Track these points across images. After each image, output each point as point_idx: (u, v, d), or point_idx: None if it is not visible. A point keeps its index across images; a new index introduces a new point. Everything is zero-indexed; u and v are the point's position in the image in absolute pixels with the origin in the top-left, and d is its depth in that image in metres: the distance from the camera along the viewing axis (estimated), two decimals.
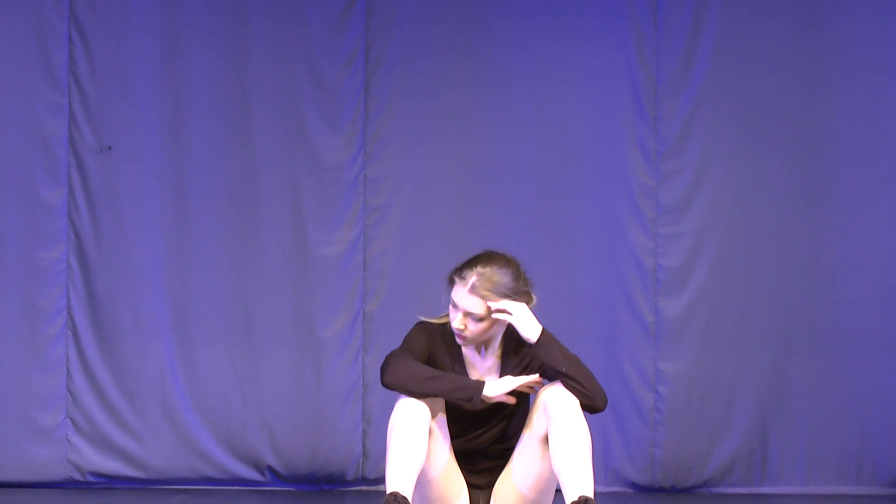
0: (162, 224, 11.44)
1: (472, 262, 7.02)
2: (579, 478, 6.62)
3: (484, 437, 7.13)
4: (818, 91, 11.50)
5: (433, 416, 6.93)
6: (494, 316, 6.89)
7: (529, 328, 6.83)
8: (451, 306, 6.99)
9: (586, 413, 6.80)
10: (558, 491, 6.87)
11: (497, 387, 6.80)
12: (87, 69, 11.38)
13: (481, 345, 7.15)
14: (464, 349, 7.14)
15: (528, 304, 7.03)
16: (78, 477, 11.19)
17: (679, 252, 11.39)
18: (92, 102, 11.37)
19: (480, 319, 6.87)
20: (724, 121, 11.50)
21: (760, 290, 11.46)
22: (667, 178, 11.41)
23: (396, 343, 7.17)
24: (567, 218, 11.38)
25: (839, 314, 11.41)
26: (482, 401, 6.84)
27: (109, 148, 11.29)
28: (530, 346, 6.92)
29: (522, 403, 7.05)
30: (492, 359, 7.16)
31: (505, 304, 6.84)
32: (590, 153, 11.49)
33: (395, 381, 6.90)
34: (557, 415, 6.73)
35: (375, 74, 11.50)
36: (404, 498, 6.59)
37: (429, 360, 7.10)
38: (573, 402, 6.75)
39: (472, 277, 6.90)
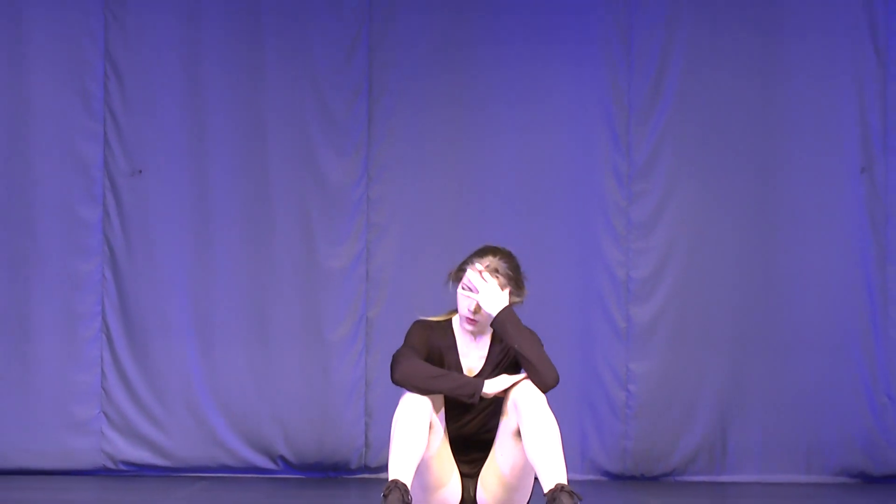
0: (186, 239, 11.93)
1: (482, 252, 7.33)
2: (552, 467, 6.85)
3: (473, 424, 7.30)
4: (772, 123, 12.05)
5: (435, 410, 7.20)
6: (462, 291, 7.20)
7: (491, 304, 7.09)
8: (460, 290, 7.25)
9: (554, 404, 7.03)
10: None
11: (494, 385, 7.06)
12: (120, 101, 11.84)
13: (480, 332, 7.39)
14: (458, 338, 7.36)
15: (522, 294, 7.35)
16: (110, 465, 11.79)
17: (648, 264, 12.00)
18: (124, 131, 11.87)
19: (483, 294, 7.18)
20: (688, 148, 12.05)
21: (721, 299, 12.00)
22: (637, 199, 11.99)
23: (396, 345, 7.27)
24: (547, 233, 11.89)
25: (791, 320, 11.96)
26: (483, 397, 7.09)
27: (140, 171, 11.78)
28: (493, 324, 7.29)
29: (507, 399, 7.18)
30: (482, 347, 7.38)
31: (476, 282, 7.15)
32: (568, 175, 12.03)
33: (404, 378, 7.12)
34: (526, 410, 6.97)
35: (377, 107, 12.00)
36: (405, 485, 6.84)
37: (428, 349, 7.32)
38: (540, 398, 7.01)
39: (485, 263, 7.23)
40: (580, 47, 12.15)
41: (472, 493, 7.39)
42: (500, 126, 12.14)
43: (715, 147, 12.15)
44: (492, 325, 7.23)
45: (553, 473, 6.81)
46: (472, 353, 7.40)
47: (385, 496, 6.80)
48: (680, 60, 12.14)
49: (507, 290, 7.25)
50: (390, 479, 6.87)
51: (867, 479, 11.94)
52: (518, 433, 7.02)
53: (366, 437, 11.75)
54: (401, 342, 7.35)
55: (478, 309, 7.21)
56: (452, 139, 12.18)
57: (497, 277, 7.21)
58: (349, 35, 12.19)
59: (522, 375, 7.14)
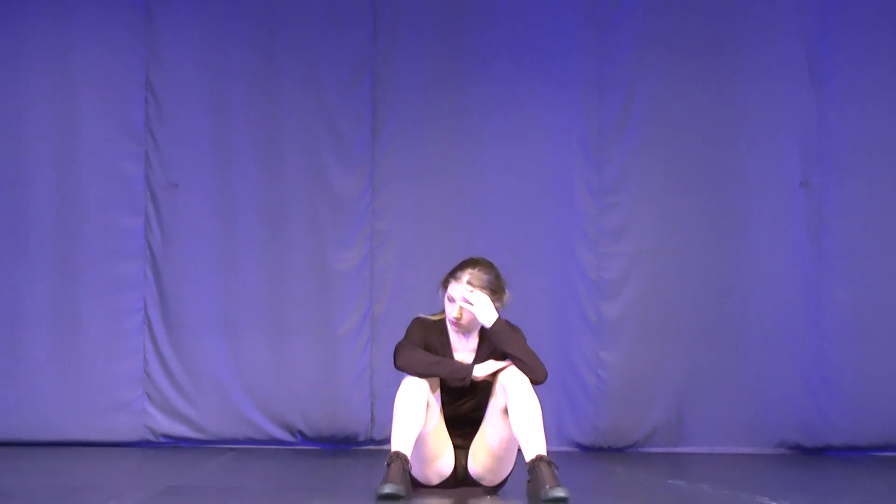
0: (215, 244, 12.56)
1: (464, 265, 7.82)
2: (534, 441, 7.40)
3: (466, 406, 7.87)
4: (726, 145, 12.71)
5: (432, 391, 7.68)
6: (461, 304, 7.68)
7: (486, 316, 7.60)
8: (447, 301, 7.78)
9: (536, 387, 7.53)
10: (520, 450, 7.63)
11: (482, 370, 7.61)
12: (159, 125, 12.46)
13: (466, 332, 7.87)
14: (451, 336, 7.90)
15: (503, 298, 7.83)
16: (152, 438, 12.48)
17: (616, 267, 12.71)
18: (162, 151, 12.49)
19: (470, 302, 7.66)
20: (651, 167, 12.73)
21: (680, 297, 12.70)
22: (607, 210, 12.71)
23: (397, 337, 7.85)
24: (530, 240, 12.59)
25: (740, 315, 12.67)
26: (473, 381, 7.63)
27: (176, 185, 12.45)
28: (485, 330, 7.76)
29: (495, 384, 7.66)
30: (472, 344, 7.89)
31: (471, 296, 7.65)
32: (548, 190, 12.73)
33: (405, 365, 7.64)
34: (513, 392, 7.48)
35: (380, 128, 12.63)
36: (405, 455, 7.38)
37: (426, 345, 7.82)
38: (525, 382, 7.50)
39: (465, 276, 7.71)
40: (560, 84, 12.75)
41: (463, 463, 7.95)
42: (489, 146, 12.79)
43: (675, 166, 12.78)
44: (488, 334, 7.79)
45: (534, 446, 7.39)
46: (463, 350, 7.94)
47: (388, 465, 7.33)
48: (645, 97, 12.76)
49: (500, 299, 7.87)
50: (392, 450, 7.43)
51: (802, 451, 12.57)
52: (505, 411, 7.56)
53: (371, 414, 12.43)
54: (402, 335, 7.88)
55: (461, 315, 7.75)
56: (447, 157, 12.79)
57: (490, 287, 7.75)
58: (356, 65, 12.68)
59: (507, 363, 7.61)
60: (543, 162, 12.82)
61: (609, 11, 12.74)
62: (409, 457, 7.56)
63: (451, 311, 7.84)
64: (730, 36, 12.77)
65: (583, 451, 12.30)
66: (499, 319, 7.80)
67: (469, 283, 7.78)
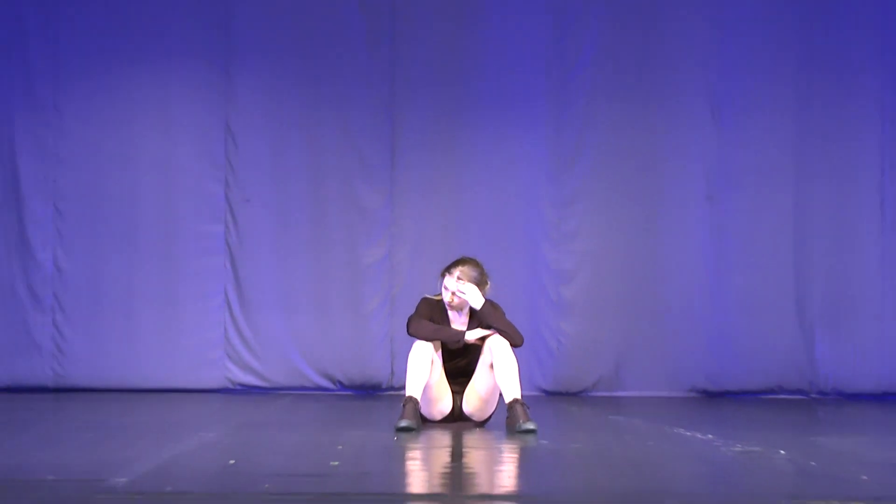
0: (275, 243, 12.38)
1: (456, 263, 8.15)
2: (512, 387, 7.79)
3: (461, 362, 8.13)
4: (651, 171, 12.52)
5: (435, 351, 7.99)
6: (454, 292, 8.01)
7: (475, 301, 7.97)
8: (443, 288, 8.10)
9: (515, 349, 7.89)
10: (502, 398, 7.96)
11: (472, 335, 7.93)
12: (235, 156, 12.28)
13: (459, 310, 8.14)
14: (448, 312, 8.16)
15: (486, 287, 8.09)
16: (230, 387, 12.33)
17: (571, 261, 12.53)
18: (237, 175, 12.32)
19: (461, 291, 7.98)
20: (597, 187, 12.50)
21: (617, 283, 12.51)
22: (564, 219, 12.51)
23: (410, 312, 8.21)
24: (507, 239, 12.38)
25: (661, 294, 12.51)
26: (465, 343, 7.97)
27: (248, 200, 12.30)
28: (475, 315, 8.06)
29: (483, 347, 7.96)
30: (464, 318, 8.16)
31: (464, 287, 7.99)
32: (521, 203, 12.53)
33: (415, 332, 8.00)
34: (497, 352, 7.82)
35: (397, 159, 12.42)
36: (416, 399, 7.81)
37: (430, 318, 8.08)
38: (507, 345, 7.83)
39: (457, 272, 8.05)
40: (530, 125, 12.51)
41: (459, 404, 8.27)
42: (478, 171, 12.54)
43: (614, 187, 12.54)
44: (477, 314, 8.03)
45: (512, 391, 7.79)
46: (457, 322, 8.19)
47: (404, 405, 7.80)
48: (593, 136, 12.49)
49: (483, 288, 8.09)
50: (406, 395, 7.87)
51: (707, 394, 12.43)
52: (491, 366, 7.89)
53: (391, 368, 12.28)
54: (412, 310, 8.23)
55: (452, 300, 8.06)
56: (447, 179, 12.58)
57: (471, 278, 8.04)
58: (379, 114, 12.46)
59: (492, 331, 7.91)
60: (518, 183, 12.62)
61: (565, 72, 12.51)
62: (418, 399, 7.92)
63: (446, 297, 8.13)
64: (655, 90, 12.55)
65: (547, 395, 12.10)
66: (485, 302, 8.05)
67: (459, 277, 8.07)
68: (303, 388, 12.43)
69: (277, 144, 12.53)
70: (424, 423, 8.07)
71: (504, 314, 8.15)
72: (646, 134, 12.65)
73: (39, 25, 12.41)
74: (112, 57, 12.47)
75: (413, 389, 7.89)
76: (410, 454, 6.64)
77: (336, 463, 5.85)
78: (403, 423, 7.66)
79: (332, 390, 12.45)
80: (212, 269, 12.50)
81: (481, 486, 5.33)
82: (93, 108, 12.50)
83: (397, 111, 12.58)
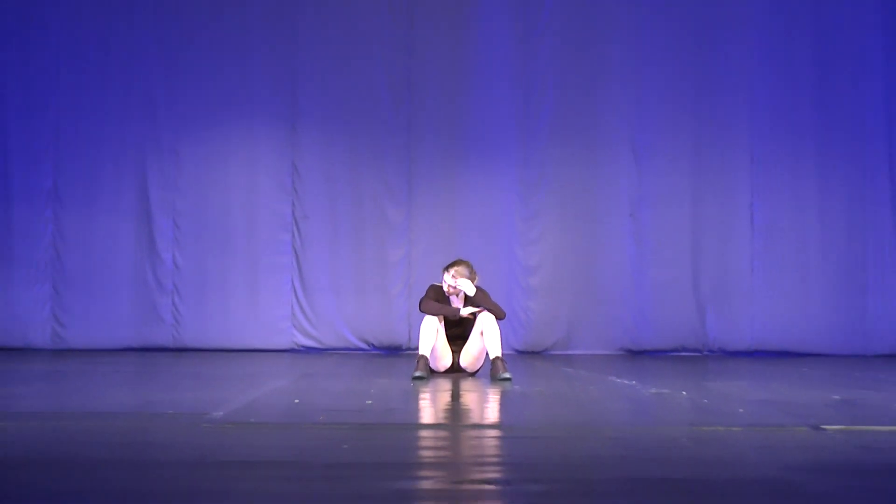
0: (327, 247, 12.23)
1: (452, 264, 8.12)
2: (495, 348, 7.75)
3: (458, 330, 8.05)
4: (591, 196, 12.33)
5: (439, 322, 7.93)
6: (445, 282, 8.00)
7: (469, 290, 7.90)
8: (444, 281, 8.05)
9: (499, 322, 7.89)
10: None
11: (465, 311, 7.87)
12: (299, 186, 12.18)
13: (455, 295, 8.04)
14: (450, 297, 8.06)
15: (475, 278, 8.05)
16: (295, 348, 12.16)
17: (535, 259, 12.35)
18: (301, 199, 12.23)
19: (458, 284, 7.95)
20: (553, 208, 12.35)
21: (567, 273, 12.31)
22: (529, 229, 12.35)
23: (421, 295, 8.17)
24: (490, 245, 12.12)
25: (598, 280, 12.30)
26: (460, 317, 7.90)
27: (307, 217, 12.23)
28: (470, 297, 7.95)
29: (475, 320, 7.92)
30: (460, 301, 8.03)
31: (459, 282, 7.97)
32: (500, 219, 12.34)
33: (425, 309, 7.94)
34: (485, 323, 7.80)
35: (413, 186, 12.31)
36: (426, 356, 7.82)
37: (435, 299, 7.99)
38: (493, 318, 7.80)
39: (452, 270, 8.05)
40: (504, 163, 12.36)
41: (457, 360, 8.18)
42: (469, 195, 12.34)
43: (564, 207, 12.36)
44: (471, 300, 7.96)
45: (495, 351, 7.77)
46: (455, 303, 8.07)
47: (417, 361, 7.79)
48: (550, 170, 12.35)
49: (472, 281, 8.01)
50: (419, 354, 7.87)
51: (631, 352, 12.25)
52: (481, 333, 7.89)
53: (409, 335, 12.04)
54: (423, 294, 8.21)
55: (450, 290, 8.01)
56: (448, 201, 12.40)
57: (465, 276, 8.02)
58: (401, 156, 12.37)
59: (481, 308, 7.89)
60: (497, 204, 12.45)
61: (530, 127, 12.35)
62: (427, 357, 7.91)
63: (445, 287, 8.05)
64: (593, 139, 12.39)
65: (518, 354, 11.89)
66: (477, 290, 7.97)
67: (454, 275, 8.03)
68: (345, 348, 12.27)
69: (328, 177, 12.42)
70: (432, 373, 8.04)
71: (490, 296, 8.08)
72: (587, 169, 12.46)
73: (165, 94, 12.36)
74: (215, 116, 12.39)
75: (424, 349, 7.88)
76: (422, 395, 6.54)
77: (370, 402, 5.88)
78: (417, 374, 7.69)
79: (366, 350, 12.27)
80: (282, 265, 12.34)
81: (473, 418, 5.36)
82: (201, 151, 12.45)
83: (413, 154, 12.43)
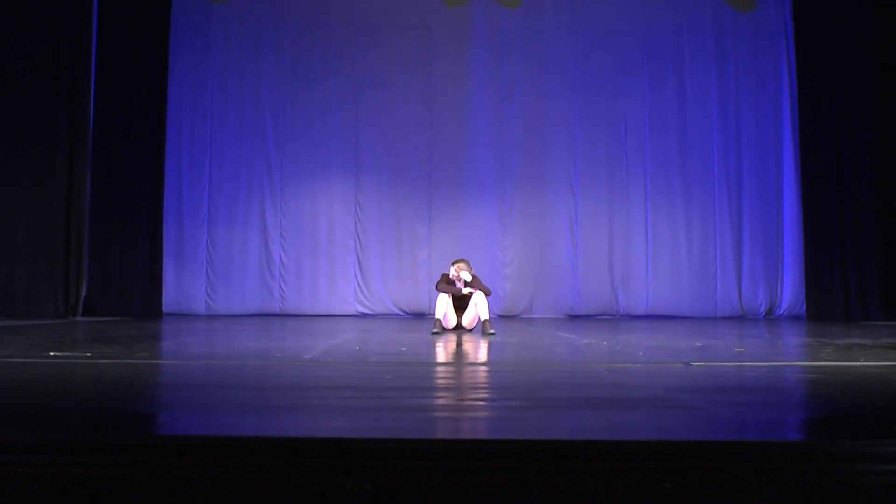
0: (378, 250, 12.04)
1: (457, 261, 7.84)
2: (484, 313, 7.52)
3: (462, 302, 7.76)
4: (544, 218, 12.05)
5: (449, 297, 7.72)
6: (452, 273, 7.75)
7: (467, 277, 7.67)
8: (451, 272, 7.79)
9: (487, 297, 7.69)
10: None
11: (466, 290, 7.66)
12: (359, 210, 12.06)
13: (459, 280, 7.73)
14: (455, 282, 7.77)
15: (471, 270, 7.80)
16: (356, 313, 11.89)
17: (509, 257, 12.09)
18: (360, 219, 12.05)
19: (460, 275, 7.71)
20: (521, 223, 12.07)
21: (530, 266, 12.01)
22: (506, 238, 12.12)
23: (437, 280, 8.36)
24: (481, 248, 11.90)
25: (547, 265, 12.04)
26: (462, 293, 7.68)
27: (365, 231, 12.06)
28: (468, 281, 7.72)
29: (472, 296, 7.70)
30: (462, 284, 7.72)
31: (462, 274, 7.72)
32: (487, 232, 12.08)
33: (440, 289, 7.71)
34: (478, 298, 7.59)
35: (433, 211, 12.14)
36: (440, 319, 7.62)
37: (446, 283, 7.75)
38: (482, 295, 7.59)
39: (457, 264, 7.79)
40: (487, 196, 12.12)
41: (459, 320, 7.87)
42: (467, 219, 12.11)
43: (528, 223, 12.10)
44: (469, 283, 7.73)
45: (484, 315, 7.54)
46: (459, 284, 7.74)
47: (434, 322, 7.59)
48: (517, 203, 12.15)
49: (469, 272, 7.77)
50: (436, 318, 7.66)
51: (571, 317, 11.90)
52: (475, 304, 7.66)
53: (429, 305, 11.70)
54: (438, 279, 8.23)
55: (455, 277, 7.72)
56: (454, 222, 12.16)
57: (465, 268, 7.76)
58: (424, 192, 12.16)
59: (475, 289, 7.67)
60: (485, 223, 12.25)
61: (505, 170, 12.19)
62: (441, 320, 7.74)
63: (451, 275, 7.80)
64: (544, 175, 12.16)
65: (499, 317, 11.60)
66: (472, 277, 7.79)
67: (457, 268, 7.78)
68: (388, 314, 12.04)
69: (378, 206, 12.24)
70: (444, 330, 7.80)
71: (481, 280, 7.99)
72: (542, 197, 12.23)
73: (276, 152, 12.28)
74: (308, 167, 12.23)
75: (439, 315, 7.71)
76: (437, 344, 6.37)
77: (404, 348, 5.80)
78: (434, 331, 7.50)
79: (402, 315, 12.01)
80: (348, 262, 12.16)
81: (470, 358, 5.25)
82: (299, 191, 12.28)
83: (432, 192, 12.24)
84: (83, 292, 10.88)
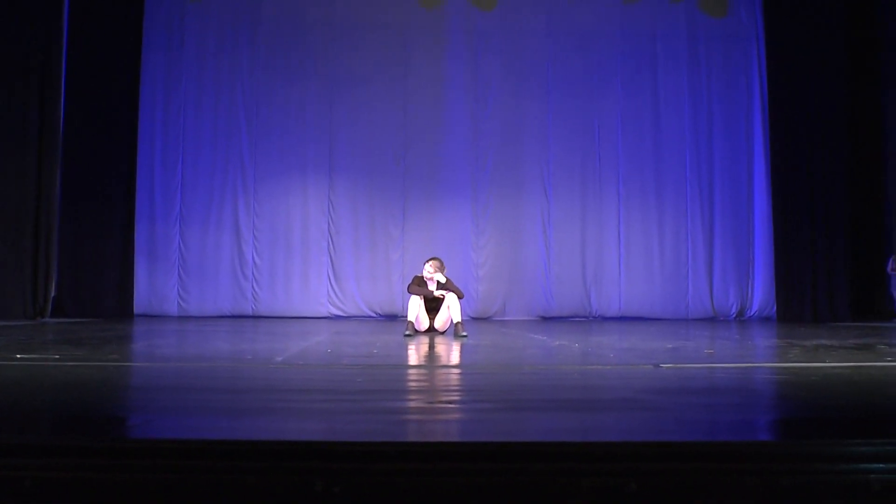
0: (351, 250, 11.98)
1: (430, 259, 7.76)
2: (456, 315, 7.47)
3: (434, 304, 7.68)
4: (518, 215, 12.10)
5: (421, 299, 7.62)
6: (425, 273, 7.68)
7: (440, 278, 7.59)
8: (425, 272, 7.71)
9: (460, 300, 7.58)
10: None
11: (438, 293, 7.58)
12: (333, 211, 11.91)
13: (432, 280, 7.68)
14: (427, 283, 7.69)
15: (444, 269, 7.73)
16: (329, 315, 11.86)
17: (482, 258, 12.12)
18: (334, 219, 11.97)
19: (433, 274, 7.65)
20: (494, 225, 12.13)
21: (503, 267, 12.08)
22: (479, 240, 12.13)
23: (409, 282, 7.81)
24: (455, 250, 11.82)
25: (520, 265, 12.12)
26: (434, 296, 7.60)
27: (338, 232, 11.97)
28: (441, 283, 7.64)
29: (444, 298, 7.63)
30: (434, 285, 7.66)
31: (435, 275, 7.64)
32: (460, 232, 12.12)
33: (411, 291, 7.64)
34: (450, 300, 7.54)
35: (407, 212, 12.06)
36: (412, 321, 7.59)
37: (418, 285, 7.66)
38: (455, 297, 7.52)
39: (431, 263, 7.70)
40: (461, 199, 12.17)
41: (432, 323, 7.78)
42: (441, 220, 12.14)
43: (501, 225, 12.17)
44: (442, 284, 7.64)
45: (456, 317, 7.47)
46: (431, 286, 7.66)
47: (407, 325, 7.55)
48: (491, 204, 12.19)
49: (443, 271, 7.72)
50: (408, 320, 7.62)
51: (544, 318, 11.95)
52: (448, 307, 7.62)
53: (402, 306, 11.23)
54: (410, 282, 7.88)
55: (428, 277, 7.63)
56: (428, 223, 12.16)
57: (438, 267, 7.68)
58: (397, 192, 12.10)
59: (448, 291, 7.59)
60: (459, 224, 12.26)
61: (479, 171, 12.25)
62: (413, 322, 7.67)
63: (426, 275, 7.72)
64: (519, 177, 12.29)
65: (472, 319, 11.66)
66: (446, 280, 7.71)
67: (433, 266, 7.68)
68: (361, 315, 12.00)
69: (352, 206, 12.22)
70: (416, 332, 7.78)
71: (453, 282, 7.91)
72: (516, 199, 12.30)
73: (249, 152, 12.27)
74: (280, 166, 12.27)
75: (411, 317, 7.68)
76: (409, 346, 6.38)
77: (375, 350, 5.79)
78: (407, 333, 7.46)
79: (374, 317, 11.99)
80: (322, 262, 12.15)
81: (442, 361, 5.25)
82: (271, 190, 12.26)
83: (406, 192, 12.24)
84: (52, 293, 10.73)
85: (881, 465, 2.06)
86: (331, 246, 12.12)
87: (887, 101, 11.32)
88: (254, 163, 12.17)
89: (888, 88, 11.30)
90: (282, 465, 2.02)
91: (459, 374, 4.41)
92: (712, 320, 11.73)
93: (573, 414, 2.90)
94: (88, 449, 2.06)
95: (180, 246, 11.99)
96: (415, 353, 5.68)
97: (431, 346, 6.32)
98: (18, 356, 4.75)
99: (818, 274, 11.45)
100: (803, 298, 11.44)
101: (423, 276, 7.84)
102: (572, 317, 12.13)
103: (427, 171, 12.16)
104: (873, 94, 11.78)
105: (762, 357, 5.51)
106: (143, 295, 11.77)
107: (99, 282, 11.11)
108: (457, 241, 12.10)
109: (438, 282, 7.74)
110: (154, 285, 11.87)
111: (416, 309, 7.74)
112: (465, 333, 7.40)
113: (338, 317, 11.91)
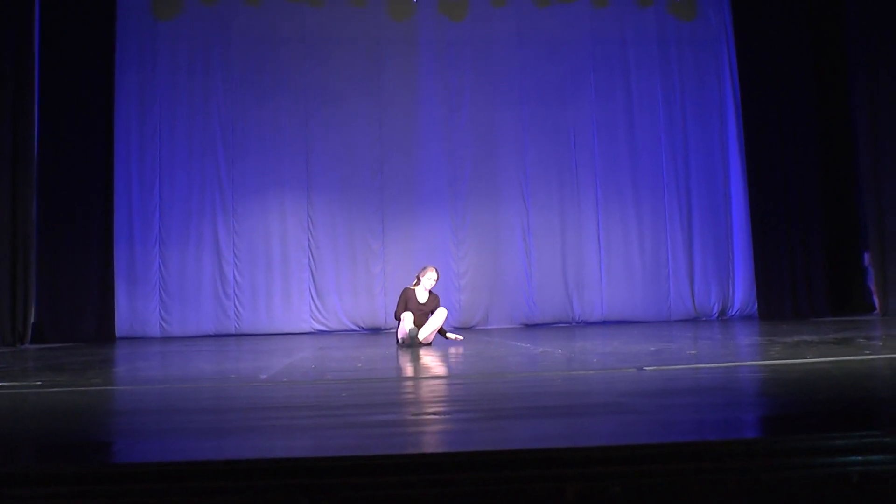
0: (332, 265, 11.91)
1: (426, 268, 7.71)
2: (441, 323, 7.56)
3: (423, 317, 7.58)
4: (497, 222, 12.13)
5: (411, 312, 7.49)
6: (423, 282, 7.63)
7: (430, 285, 7.60)
8: (426, 281, 7.62)
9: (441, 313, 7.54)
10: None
11: (423, 335, 7.48)
12: (311, 226, 11.92)
13: (425, 289, 7.65)
14: (417, 293, 7.63)
15: (437, 279, 7.70)
16: (312, 330, 11.78)
17: (463, 268, 12.10)
18: (314, 234, 11.93)
19: (429, 284, 7.63)
20: (473, 234, 12.12)
21: (484, 276, 12.06)
22: (459, 249, 12.12)
23: (394, 295, 8.35)
24: (437, 261, 11.06)
25: (502, 273, 12.08)
26: (424, 312, 7.55)
27: (318, 247, 11.90)
28: (431, 294, 7.64)
29: (434, 311, 7.58)
30: (426, 295, 7.65)
31: (424, 281, 7.61)
32: (440, 243, 12.08)
33: (398, 317, 7.52)
34: (437, 313, 7.56)
35: (386, 226, 12.04)
36: (414, 328, 7.48)
37: (406, 300, 7.56)
38: (442, 310, 7.60)
39: (427, 272, 7.66)
40: (441, 209, 12.14)
41: (417, 335, 7.55)
42: (420, 230, 12.09)
43: (481, 233, 12.15)
44: (431, 297, 7.68)
45: (441, 326, 7.61)
46: (423, 297, 7.64)
47: (409, 330, 7.45)
48: (469, 215, 12.19)
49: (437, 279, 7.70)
50: (398, 337, 7.53)
51: (527, 326, 11.95)
52: (435, 319, 7.57)
53: (385, 320, 11.75)
54: (397, 295, 7.82)
55: (424, 287, 7.63)
56: (407, 235, 12.11)
57: (434, 276, 7.67)
58: (376, 206, 12.07)
59: (434, 307, 7.59)
60: (438, 235, 12.25)
61: (457, 181, 12.22)
62: (413, 327, 7.60)
63: (426, 285, 7.68)
64: (497, 186, 12.31)
65: (455, 330, 11.27)
66: (431, 295, 7.73)
67: (432, 275, 7.69)
68: (345, 330, 11.96)
69: (332, 221, 12.14)
70: (403, 344, 7.62)
71: (439, 299, 7.86)
72: (494, 207, 12.28)
73: (227, 170, 12.13)
74: (259, 184, 12.12)
75: (400, 334, 7.60)
76: (393, 359, 6.39)
77: (360, 365, 5.79)
78: (411, 329, 7.53)
79: (358, 331, 11.98)
80: (303, 278, 12.03)
81: (425, 372, 5.27)
82: (251, 209, 12.15)
83: (385, 206, 12.17)
84: (31, 319, 10.58)
85: (859, 458, 2.10)
86: (311, 262, 12.04)
87: (855, 95, 11.42)
88: (231, 182, 12.11)
89: (854, 81, 11.42)
90: (268, 484, 2.03)
91: (444, 384, 4.41)
92: (695, 321, 11.86)
93: (557, 420, 2.92)
94: (73, 476, 2.04)
95: (160, 267, 11.90)
96: (398, 366, 5.69)
97: (415, 358, 6.30)
98: None
99: (797, 270, 11.65)
100: (783, 295, 11.62)
101: (412, 287, 7.75)
102: (555, 323, 12.13)
103: (405, 183, 12.17)
104: (841, 87, 11.95)
105: (744, 356, 5.55)
106: (125, 317, 11.64)
107: (79, 306, 11.00)
108: (437, 251, 12.04)
109: (430, 291, 7.71)
110: (135, 307, 11.75)
111: (407, 322, 7.63)
112: (452, 336, 7.78)
113: (321, 332, 11.83)
